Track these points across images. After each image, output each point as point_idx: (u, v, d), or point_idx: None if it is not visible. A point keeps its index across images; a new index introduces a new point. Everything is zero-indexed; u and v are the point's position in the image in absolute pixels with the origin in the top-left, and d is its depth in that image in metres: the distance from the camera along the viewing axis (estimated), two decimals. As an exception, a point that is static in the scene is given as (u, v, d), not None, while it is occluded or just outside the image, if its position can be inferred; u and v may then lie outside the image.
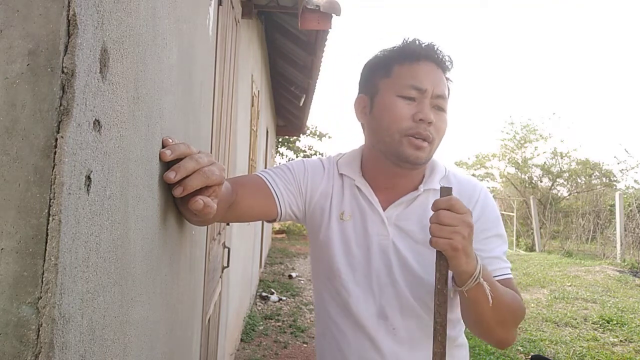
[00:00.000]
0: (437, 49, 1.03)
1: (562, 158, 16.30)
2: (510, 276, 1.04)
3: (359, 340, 1.06)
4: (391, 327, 1.04)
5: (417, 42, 1.03)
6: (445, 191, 0.89)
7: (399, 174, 1.05)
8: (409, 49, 1.02)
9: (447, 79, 1.05)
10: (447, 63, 1.04)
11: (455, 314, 1.06)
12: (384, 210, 1.06)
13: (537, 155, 16.80)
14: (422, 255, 1.03)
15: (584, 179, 16.16)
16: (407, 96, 0.99)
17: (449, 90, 1.05)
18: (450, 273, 0.93)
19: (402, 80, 1.00)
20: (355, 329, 1.07)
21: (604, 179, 15.97)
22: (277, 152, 15.12)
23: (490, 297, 0.89)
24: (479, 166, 18.95)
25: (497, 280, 0.99)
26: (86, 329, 0.49)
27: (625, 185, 14.67)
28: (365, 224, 1.07)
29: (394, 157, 1.01)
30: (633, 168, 14.33)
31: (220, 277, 2.33)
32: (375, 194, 1.08)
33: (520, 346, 4.56)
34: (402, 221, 1.05)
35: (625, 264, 9.08)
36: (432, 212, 0.90)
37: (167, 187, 0.77)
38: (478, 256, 1.00)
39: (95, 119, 0.49)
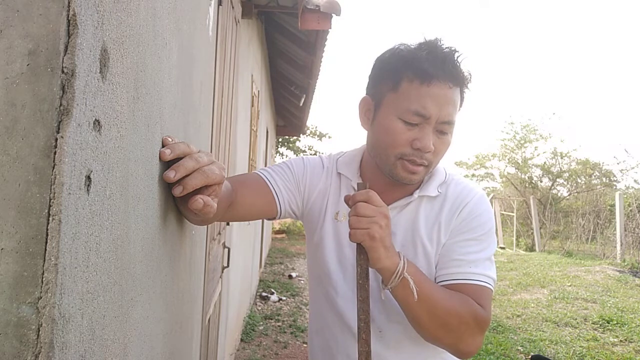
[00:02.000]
0: (456, 62, 0.94)
1: (562, 158, 16.31)
2: (479, 284, 0.96)
3: (347, 340, 1.07)
4: (377, 330, 1.04)
5: (434, 53, 0.93)
6: (362, 186, 0.92)
7: (395, 183, 1.02)
8: (423, 65, 0.92)
9: (464, 90, 0.98)
10: (464, 79, 0.96)
11: None
12: None
13: (537, 155, 16.82)
14: (411, 260, 1.02)
15: (584, 179, 16.17)
16: (409, 122, 0.93)
17: (462, 102, 0.99)
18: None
19: (407, 103, 0.93)
20: (344, 329, 1.07)
21: (604, 179, 15.98)
22: (277, 152, 15.12)
23: (415, 291, 0.86)
24: (478, 166, 18.95)
25: (461, 284, 0.96)
26: (86, 329, 0.49)
27: (625, 185, 14.73)
28: None
29: (387, 174, 1.00)
30: (633, 168, 14.36)
31: (220, 277, 2.32)
32: None
33: (520, 346, 4.56)
34: (394, 225, 1.04)
35: (625, 264, 9.08)
36: (349, 210, 0.90)
37: (167, 187, 0.77)
38: (447, 257, 1.00)
39: (95, 119, 0.49)
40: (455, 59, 0.95)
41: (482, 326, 0.94)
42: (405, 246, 1.03)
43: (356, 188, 0.93)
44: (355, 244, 0.90)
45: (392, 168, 0.97)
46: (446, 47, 0.95)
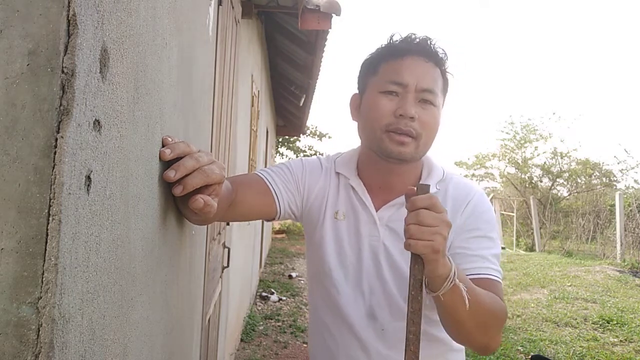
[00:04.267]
0: (428, 42, 1.01)
1: (562, 158, 16.30)
2: (496, 279, 0.98)
3: (347, 340, 1.06)
4: (380, 328, 1.04)
5: (407, 37, 1.02)
6: (423, 189, 0.83)
7: (392, 170, 1.04)
8: (395, 45, 1.02)
9: (444, 72, 1.02)
10: (440, 56, 1.01)
11: None
12: (377, 210, 1.06)
13: (537, 155, 16.80)
14: None
15: (584, 179, 16.16)
16: (389, 91, 0.98)
17: (445, 83, 1.03)
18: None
19: (385, 77, 1.00)
20: (344, 329, 1.07)
21: (604, 179, 15.96)
22: (277, 152, 15.11)
23: (467, 299, 0.84)
24: (478, 166, 18.93)
25: (479, 279, 0.96)
26: (86, 329, 0.49)
27: (625, 185, 14.70)
28: (358, 224, 1.07)
29: (379, 152, 1.01)
30: (633, 168, 14.34)
31: (220, 277, 2.32)
32: (370, 194, 1.07)
33: (520, 346, 4.56)
34: (393, 222, 1.05)
35: (625, 264, 9.08)
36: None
37: (167, 187, 0.77)
38: (461, 254, 0.99)
39: (95, 119, 0.49)
40: (428, 41, 1.01)
41: (505, 321, 0.96)
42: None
43: (416, 191, 0.84)
44: (409, 252, 0.84)
45: (380, 143, 0.99)
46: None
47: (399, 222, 1.03)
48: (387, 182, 1.06)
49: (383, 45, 1.05)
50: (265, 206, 1.07)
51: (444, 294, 0.84)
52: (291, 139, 15.72)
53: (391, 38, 1.04)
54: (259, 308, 5.58)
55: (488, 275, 0.98)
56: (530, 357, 4.34)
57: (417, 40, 1.01)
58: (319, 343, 1.13)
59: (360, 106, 1.06)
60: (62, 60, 0.43)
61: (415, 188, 0.84)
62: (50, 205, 0.42)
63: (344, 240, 1.07)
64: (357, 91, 1.10)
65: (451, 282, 0.83)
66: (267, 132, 6.95)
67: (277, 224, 14.83)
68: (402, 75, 0.98)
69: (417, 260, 0.82)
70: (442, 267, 0.82)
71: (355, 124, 1.09)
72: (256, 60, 4.12)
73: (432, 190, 1.04)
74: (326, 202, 1.11)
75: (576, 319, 5.46)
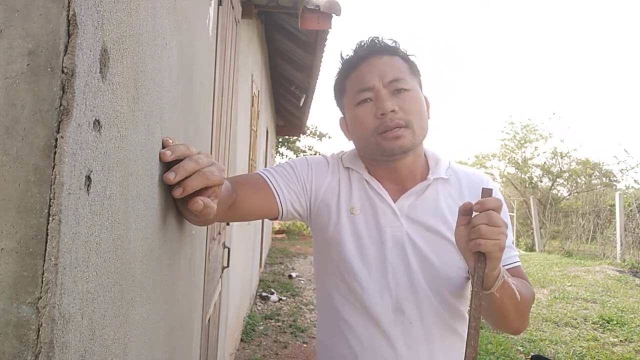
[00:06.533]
0: (376, 41, 1.05)
1: (562, 158, 16.30)
2: (519, 264, 1.06)
3: (372, 337, 1.04)
4: (408, 322, 1.03)
5: (356, 48, 1.07)
6: (488, 192, 0.88)
7: (398, 165, 1.05)
8: (349, 59, 1.08)
9: (405, 57, 1.06)
10: (391, 46, 1.05)
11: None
12: (394, 202, 1.06)
13: (537, 155, 16.80)
14: (438, 246, 1.03)
15: (584, 179, 16.16)
16: (362, 100, 1.03)
17: (411, 66, 1.06)
18: None
19: (353, 90, 1.05)
20: (369, 326, 1.04)
21: (604, 179, 15.97)
22: (277, 152, 15.11)
23: (517, 293, 0.91)
24: (479, 166, 18.92)
25: (509, 269, 1.02)
26: (86, 329, 0.49)
27: (625, 185, 14.71)
28: (377, 217, 1.06)
29: (381, 155, 1.03)
30: (633, 168, 14.34)
31: (220, 277, 2.33)
32: (383, 186, 1.08)
33: (520, 346, 4.56)
34: (414, 212, 1.05)
35: (625, 264, 9.08)
36: (468, 211, 0.88)
37: (167, 187, 0.77)
38: None
39: (95, 119, 0.49)
40: (375, 40, 1.06)
41: (534, 302, 1.05)
42: (429, 231, 1.04)
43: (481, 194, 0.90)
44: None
45: (378, 146, 1.02)
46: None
47: (419, 212, 1.06)
48: (397, 176, 1.07)
49: (340, 67, 1.10)
50: (266, 206, 1.06)
51: (496, 290, 0.90)
52: (291, 139, 15.71)
53: (341, 56, 1.10)
54: (259, 308, 5.58)
55: (514, 264, 1.06)
56: (530, 357, 4.34)
57: (365, 45, 1.06)
58: (338, 341, 1.09)
59: (347, 126, 1.11)
60: (62, 60, 0.43)
61: (483, 196, 0.88)
62: (50, 205, 0.42)
63: (364, 235, 1.06)
64: (340, 116, 1.16)
65: (501, 279, 0.89)
66: (267, 132, 6.95)
67: (277, 224, 14.84)
68: (365, 80, 1.02)
69: (481, 258, 0.87)
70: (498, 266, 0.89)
71: (352, 143, 1.14)
72: (256, 60, 4.12)
73: (446, 175, 1.09)
74: (338, 198, 1.09)
75: (576, 319, 5.46)
